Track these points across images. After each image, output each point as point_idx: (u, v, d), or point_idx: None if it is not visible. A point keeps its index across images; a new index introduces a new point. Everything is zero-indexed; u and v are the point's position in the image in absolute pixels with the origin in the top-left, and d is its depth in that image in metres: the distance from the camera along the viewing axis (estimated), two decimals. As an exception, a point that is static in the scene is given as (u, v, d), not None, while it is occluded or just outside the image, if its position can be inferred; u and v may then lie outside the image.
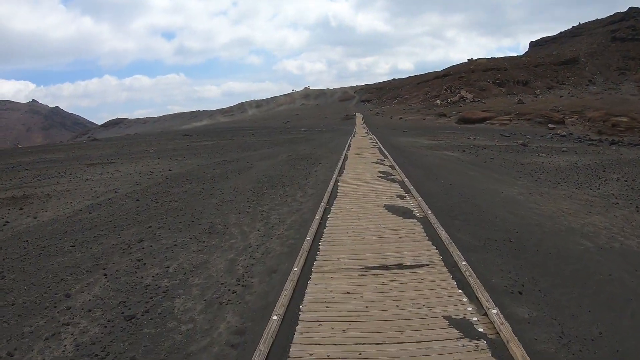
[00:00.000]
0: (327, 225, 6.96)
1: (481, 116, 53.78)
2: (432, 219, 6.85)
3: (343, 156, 15.83)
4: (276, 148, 24.02)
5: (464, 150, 20.85)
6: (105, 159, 21.66)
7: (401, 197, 8.72)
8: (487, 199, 9.10)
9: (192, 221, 8.30)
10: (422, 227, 6.58)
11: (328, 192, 9.36)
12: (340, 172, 12.27)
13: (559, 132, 43.39)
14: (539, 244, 6.24)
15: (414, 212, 7.42)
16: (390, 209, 7.76)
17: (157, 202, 10.13)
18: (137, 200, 10.59)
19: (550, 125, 47.77)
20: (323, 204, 8.20)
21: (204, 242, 6.87)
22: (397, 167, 12.39)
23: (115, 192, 11.74)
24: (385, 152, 16.78)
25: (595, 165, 17.29)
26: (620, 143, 32.78)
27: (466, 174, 12.55)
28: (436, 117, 59.83)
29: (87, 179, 14.63)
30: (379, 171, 12.03)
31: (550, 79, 71.36)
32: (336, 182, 10.66)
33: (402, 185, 9.88)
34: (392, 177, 11.08)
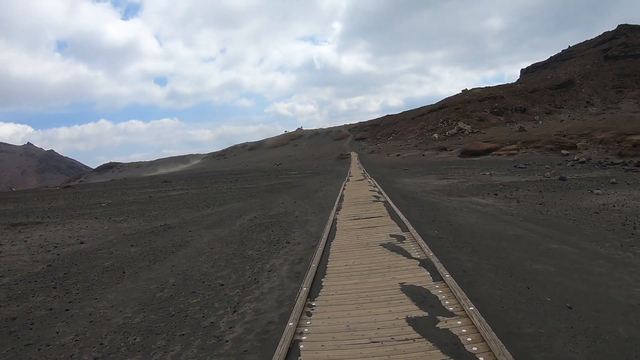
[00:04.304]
0: None
1: (485, 147, 49.36)
2: None
3: (330, 224, 9.78)
4: (248, 201, 18.65)
5: (495, 194, 15.51)
6: (40, 216, 18.10)
7: None
8: None
9: None
10: None
11: None
12: (315, 286, 5.37)
13: (575, 158, 38.80)
14: None
15: None
16: None
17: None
18: None
19: (564, 152, 43.25)
20: None
21: None
22: (440, 269, 5.51)
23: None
24: (398, 213, 10.21)
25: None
26: (648, 164, 28.39)
27: (551, 254, 7.00)
28: (436, 151, 55.37)
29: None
30: (402, 286, 5.08)
31: (548, 103, 68.16)
32: (294, 344, 3.86)
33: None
34: (451, 320, 4.11)
